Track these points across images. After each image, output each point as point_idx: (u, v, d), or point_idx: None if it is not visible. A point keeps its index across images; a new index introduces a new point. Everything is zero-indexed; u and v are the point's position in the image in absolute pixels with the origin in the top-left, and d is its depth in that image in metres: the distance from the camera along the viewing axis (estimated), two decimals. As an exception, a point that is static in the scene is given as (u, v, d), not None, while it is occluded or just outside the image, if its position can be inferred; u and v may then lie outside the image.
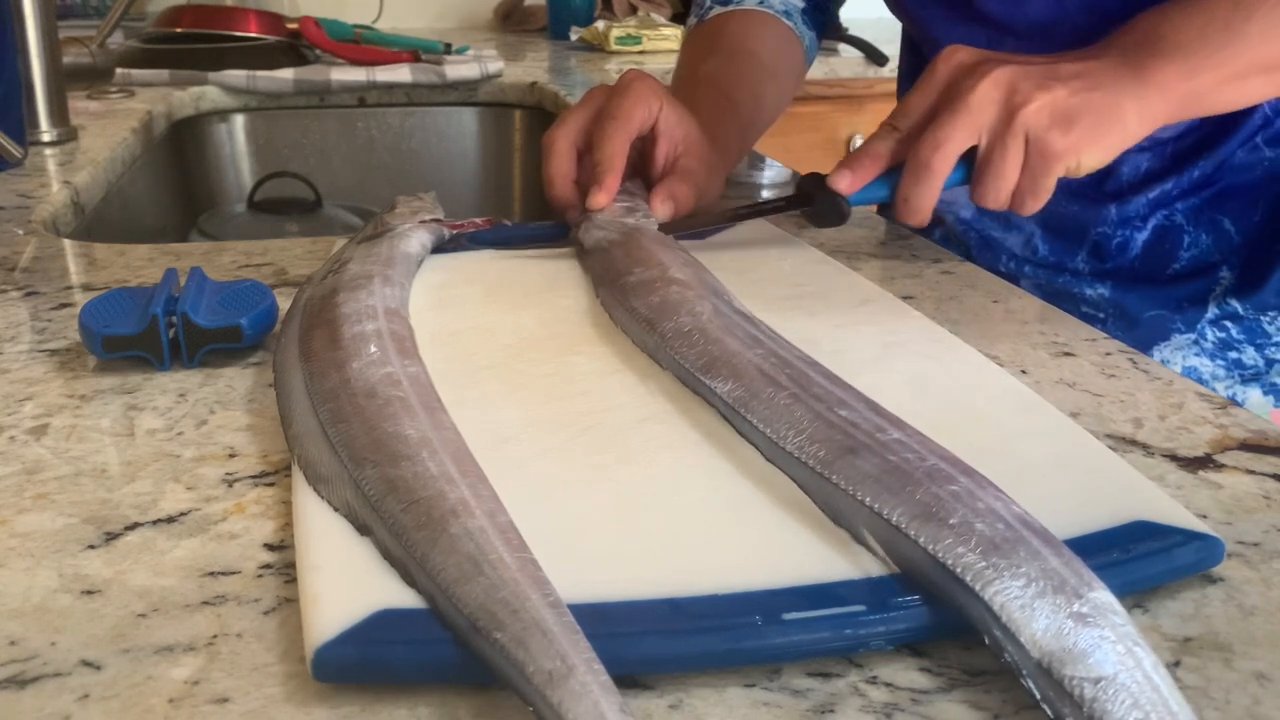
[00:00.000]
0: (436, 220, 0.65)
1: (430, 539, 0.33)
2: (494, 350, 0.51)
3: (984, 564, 0.31)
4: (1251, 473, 0.43)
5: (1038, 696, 0.29)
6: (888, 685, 0.31)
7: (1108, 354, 0.55)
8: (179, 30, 1.41)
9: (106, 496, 0.40)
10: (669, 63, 1.69)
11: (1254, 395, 0.77)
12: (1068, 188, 0.79)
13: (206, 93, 1.39)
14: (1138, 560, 0.35)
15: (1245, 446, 0.45)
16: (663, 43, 1.86)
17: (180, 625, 0.33)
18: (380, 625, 0.31)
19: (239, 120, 1.43)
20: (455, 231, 0.66)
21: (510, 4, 2.26)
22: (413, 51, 1.49)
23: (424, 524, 0.34)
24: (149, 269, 0.66)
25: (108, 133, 1.07)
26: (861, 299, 0.59)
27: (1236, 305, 0.77)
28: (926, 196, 0.56)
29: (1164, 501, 0.38)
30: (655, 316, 0.49)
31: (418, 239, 0.62)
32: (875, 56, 1.84)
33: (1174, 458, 0.44)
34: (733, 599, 0.32)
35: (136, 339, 0.50)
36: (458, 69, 1.46)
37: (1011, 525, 0.33)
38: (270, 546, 0.37)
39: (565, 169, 0.68)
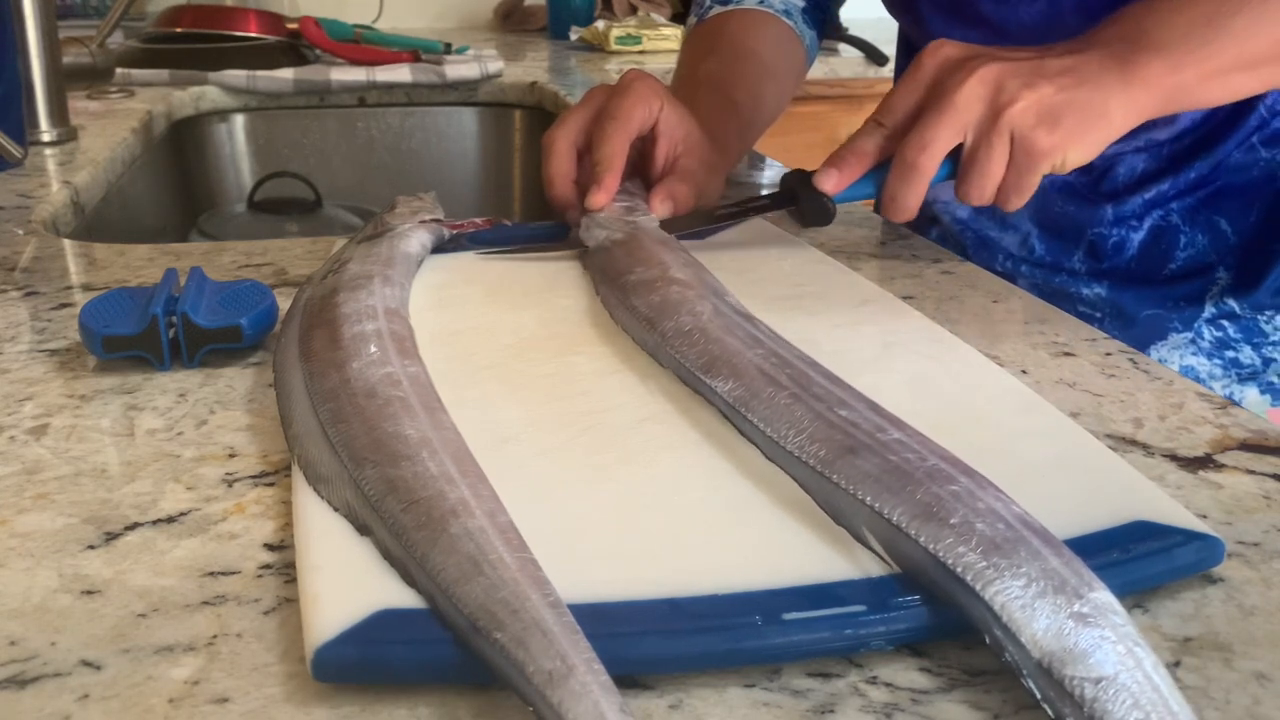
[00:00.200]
0: (436, 220, 0.65)
1: (430, 539, 0.33)
2: (494, 350, 0.51)
3: (984, 564, 0.31)
4: (1251, 473, 0.43)
5: (1038, 696, 0.29)
6: (888, 685, 0.31)
7: (1108, 354, 0.55)
8: (179, 30, 1.41)
9: (106, 496, 0.40)
10: (669, 63, 1.69)
11: (1251, 394, 0.78)
12: (1064, 188, 0.79)
13: (206, 93, 1.39)
14: (1138, 560, 0.35)
15: (1245, 446, 0.45)
16: (663, 43, 1.86)
17: (180, 625, 0.33)
18: (380, 625, 0.31)
19: (239, 120, 1.43)
20: (455, 231, 0.66)
21: (510, 4, 2.26)
22: (413, 51, 1.49)
23: (424, 524, 0.34)
24: (149, 269, 0.66)
25: (108, 133, 1.07)
26: (861, 299, 0.59)
27: (1233, 304, 0.77)
28: (913, 195, 0.56)
29: (1164, 501, 0.38)
30: (656, 315, 0.49)
31: (418, 239, 0.62)
32: (875, 56, 1.84)
33: (1174, 458, 0.44)
34: (733, 599, 0.32)
35: (136, 339, 0.50)
36: (458, 69, 1.46)
37: (1012, 525, 0.33)
38: (270, 546, 0.37)
39: (565, 169, 0.68)
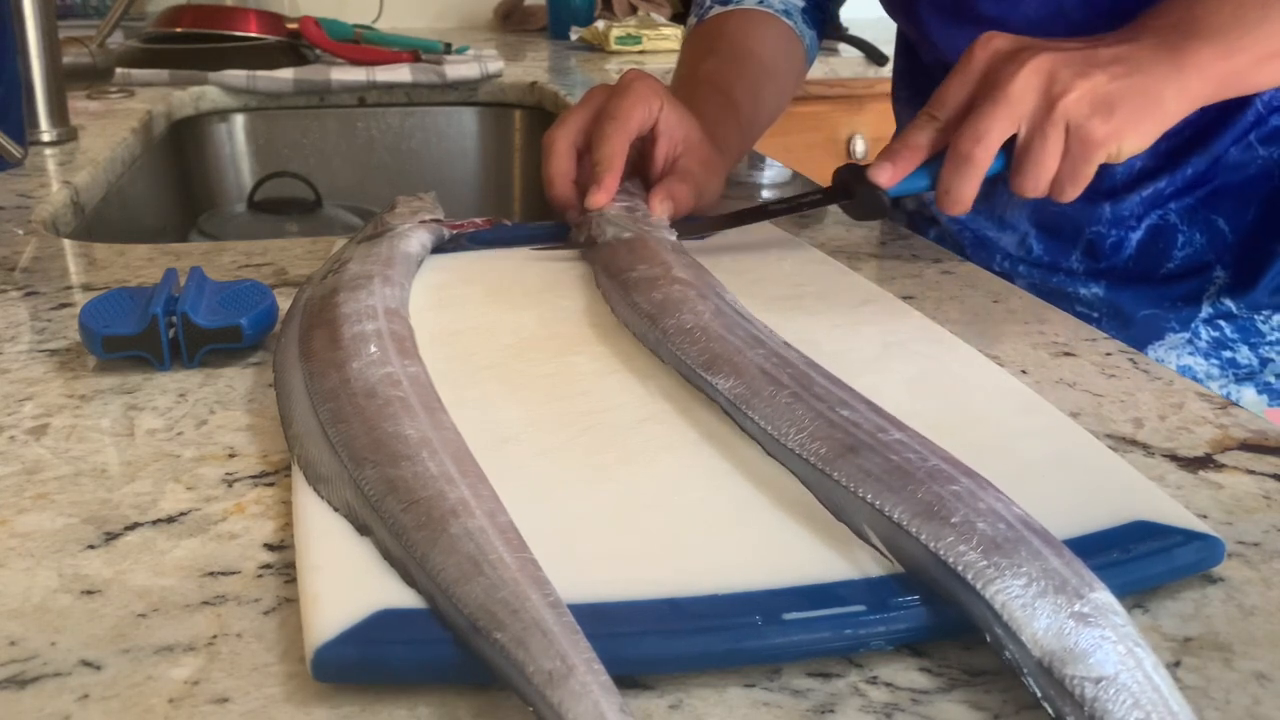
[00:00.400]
0: (436, 220, 0.65)
1: (430, 539, 0.33)
2: (494, 350, 0.51)
3: (985, 563, 0.31)
4: (1252, 473, 0.43)
5: (1039, 696, 0.29)
6: (888, 685, 0.31)
7: (1108, 354, 0.55)
8: (179, 30, 1.41)
9: (106, 496, 0.40)
10: (669, 63, 1.69)
11: (1248, 394, 0.77)
12: None
13: (206, 93, 1.39)
14: (1138, 560, 0.35)
15: (1245, 446, 0.45)
16: (663, 43, 1.86)
17: (180, 625, 0.33)
18: (380, 625, 0.31)
19: (239, 120, 1.43)
20: (455, 231, 0.66)
21: (510, 4, 2.26)
22: (413, 51, 1.49)
23: (424, 524, 0.34)
24: (149, 269, 0.66)
25: (108, 133, 1.07)
26: (861, 299, 0.59)
27: (1230, 304, 0.77)
28: (968, 188, 0.56)
29: (1164, 501, 0.38)
30: (657, 312, 0.49)
31: (418, 239, 0.62)
32: (875, 56, 1.84)
33: (1174, 458, 0.44)
34: (733, 599, 0.32)
35: (136, 339, 0.50)
36: (458, 69, 1.46)
37: (1013, 525, 0.33)
38: (270, 546, 0.37)
39: (565, 168, 0.68)
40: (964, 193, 0.56)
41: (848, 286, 0.61)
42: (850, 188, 0.61)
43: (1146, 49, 0.55)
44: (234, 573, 0.36)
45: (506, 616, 0.30)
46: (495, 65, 1.49)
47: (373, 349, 0.46)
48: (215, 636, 0.32)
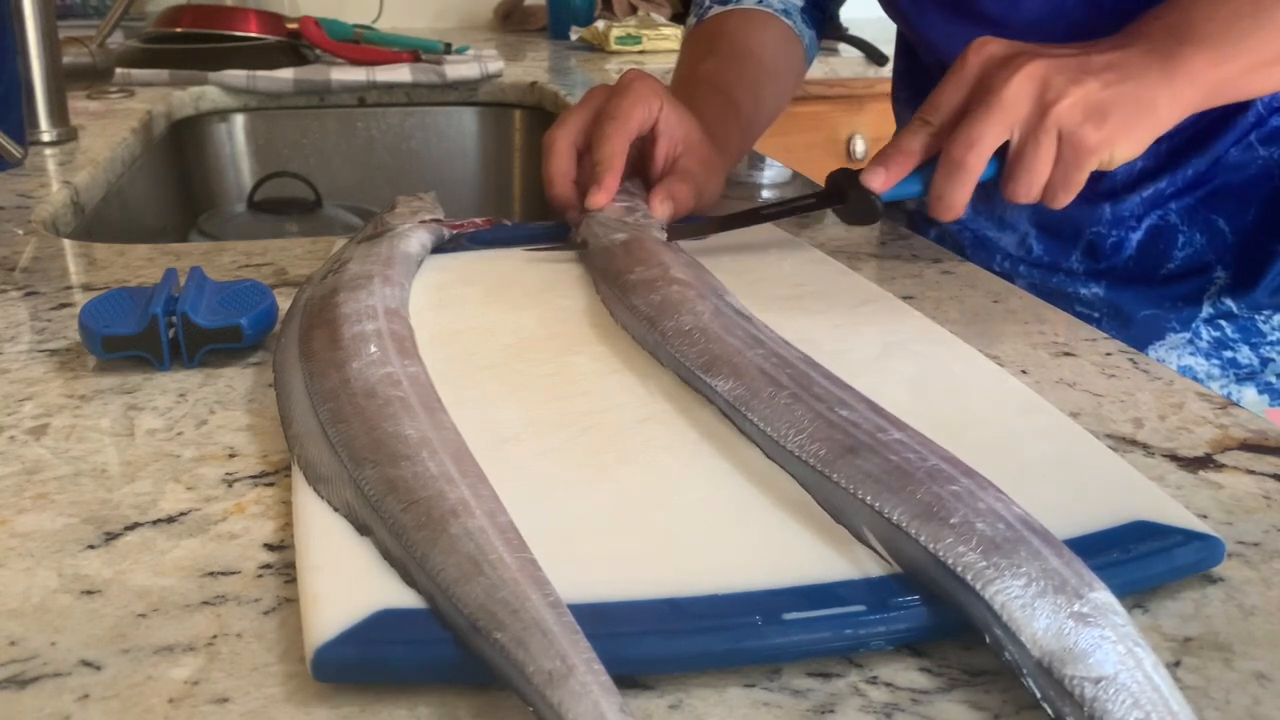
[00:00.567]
0: (436, 220, 0.65)
1: (430, 539, 0.33)
2: (494, 350, 0.51)
3: (985, 563, 0.31)
4: (1252, 473, 0.43)
5: (1038, 696, 0.29)
6: (888, 685, 0.31)
7: (1108, 354, 0.55)
8: (179, 30, 1.41)
9: (106, 496, 0.40)
10: (669, 63, 1.69)
11: (1249, 394, 0.77)
12: None
13: (206, 93, 1.39)
14: (1138, 560, 0.35)
15: (1245, 446, 0.45)
16: (663, 43, 1.86)
17: (180, 625, 0.33)
18: (380, 625, 0.31)
19: (239, 120, 1.43)
20: (455, 231, 0.66)
21: (510, 4, 2.26)
22: (413, 51, 1.49)
23: (424, 524, 0.34)
24: (149, 269, 0.66)
25: (108, 133, 1.07)
26: (861, 299, 0.59)
27: (1231, 304, 0.77)
28: (961, 194, 0.56)
29: (1164, 501, 0.38)
30: (656, 315, 0.49)
31: (418, 239, 0.62)
32: (875, 56, 1.84)
33: (1174, 458, 0.44)
34: (733, 599, 0.32)
35: (136, 339, 0.50)
36: (458, 69, 1.46)
37: (1012, 525, 0.33)
38: (270, 546, 0.37)
39: (565, 168, 0.68)
40: (956, 199, 0.56)
41: (848, 286, 0.61)
42: (843, 192, 0.61)
43: (1139, 55, 0.55)
44: (234, 573, 0.36)
45: (506, 616, 0.30)
46: (495, 65, 1.49)
47: (373, 349, 0.46)
48: (215, 636, 0.32)
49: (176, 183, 1.34)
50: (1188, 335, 0.78)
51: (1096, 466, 0.41)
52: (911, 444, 0.37)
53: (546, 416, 0.44)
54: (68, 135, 1.03)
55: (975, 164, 0.55)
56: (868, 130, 1.83)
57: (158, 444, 0.44)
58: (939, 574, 0.32)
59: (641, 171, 0.71)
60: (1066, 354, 0.55)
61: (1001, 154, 0.56)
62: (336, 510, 0.37)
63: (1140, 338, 0.78)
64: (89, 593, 0.34)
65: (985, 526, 0.33)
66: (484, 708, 0.30)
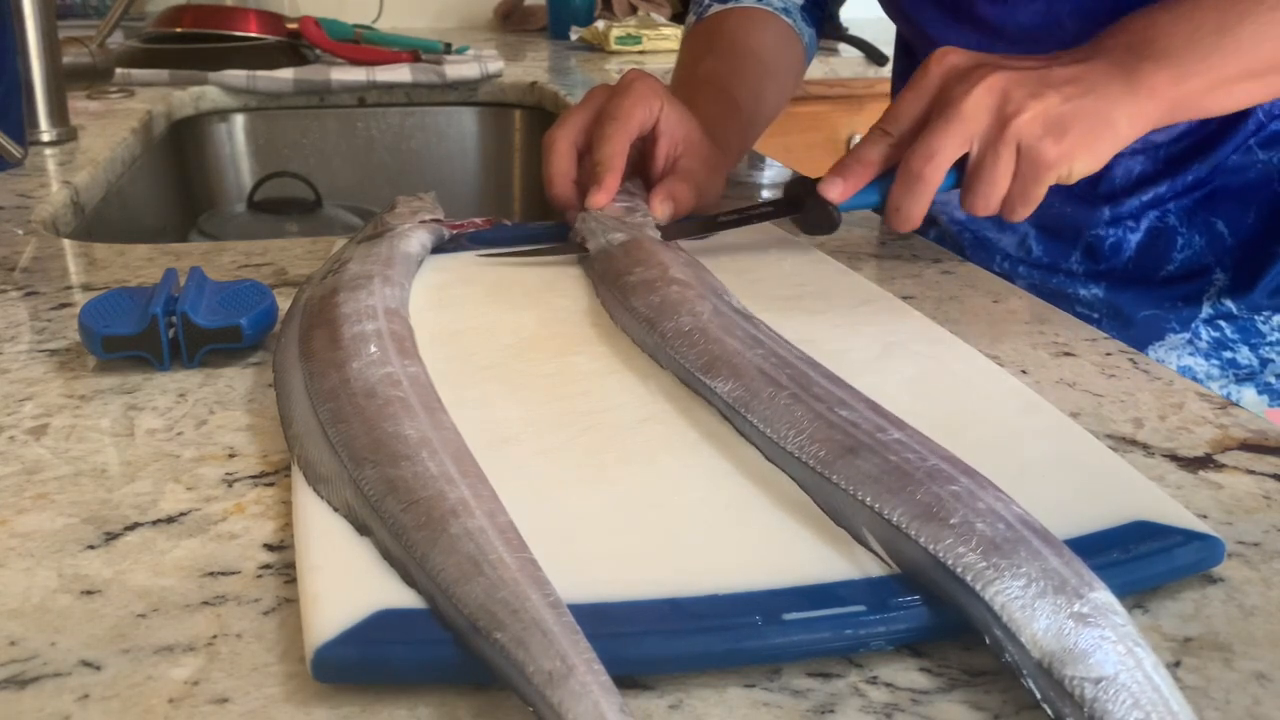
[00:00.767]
0: (436, 220, 0.65)
1: (430, 539, 0.33)
2: (494, 350, 0.51)
3: (984, 564, 0.31)
4: (1252, 473, 0.43)
5: (1038, 696, 0.29)
6: (888, 685, 0.31)
7: (1108, 354, 0.55)
8: (179, 30, 1.41)
9: (106, 496, 0.40)
10: (669, 63, 1.69)
11: (1249, 395, 0.77)
12: (1062, 190, 0.79)
13: (206, 93, 1.39)
14: (1138, 560, 0.35)
15: (1245, 446, 0.45)
16: (663, 43, 1.86)
17: (180, 625, 0.33)
18: (380, 625, 0.31)
19: (239, 120, 1.43)
20: (455, 231, 0.66)
21: (510, 4, 2.26)
22: (413, 51, 1.49)
23: (424, 524, 0.34)
24: (149, 269, 0.66)
25: (108, 133, 1.07)
26: (861, 299, 0.59)
27: (1231, 305, 0.77)
28: (918, 206, 0.56)
29: (1164, 501, 0.38)
30: (655, 316, 0.49)
31: (418, 239, 0.62)
32: (875, 56, 1.84)
33: (1174, 458, 0.44)
34: (733, 599, 0.32)
35: (136, 339, 0.50)
36: (458, 69, 1.46)
37: (1012, 525, 0.33)
38: (270, 546, 0.37)
39: (565, 168, 0.68)
40: (914, 211, 0.56)
41: (848, 286, 0.61)
42: (800, 201, 0.61)
43: (1101, 70, 0.55)
44: (234, 573, 0.36)
45: (506, 616, 0.30)
46: (495, 65, 1.49)
47: (373, 349, 0.46)
48: (215, 636, 0.32)
49: (176, 183, 1.34)
50: (1187, 336, 0.78)
51: (1096, 466, 0.41)
52: (911, 444, 0.37)
53: (546, 416, 0.44)
54: (68, 135, 1.03)
55: (933, 176, 0.55)
56: (868, 130, 1.83)
57: (158, 444, 0.44)
58: (939, 575, 0.32)
59: (642, 171, 0.71)
60: (1066, 354, 0.55)
61: (961, 165, 0.56)
62: (336, 510, 0.37)
63: (1140, 338, 0.78)
64: (89, 593, 0.34)
65: (985, 527, 0.33)
66: (484, 708, 0.30)
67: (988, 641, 0.30)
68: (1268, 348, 0.77)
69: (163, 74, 1.37)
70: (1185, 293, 0.78)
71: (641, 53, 1.85)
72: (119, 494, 0.40)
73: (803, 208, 0.61)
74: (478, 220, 0.69)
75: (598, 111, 0.68)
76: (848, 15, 1.93)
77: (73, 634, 0.32)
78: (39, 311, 0.59)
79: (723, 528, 0.37)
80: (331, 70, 1.42)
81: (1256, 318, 0.76)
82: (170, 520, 0.39)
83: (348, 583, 0.33)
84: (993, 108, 0.54)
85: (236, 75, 1.38)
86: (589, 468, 0.40)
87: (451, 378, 0.46)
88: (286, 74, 1.40)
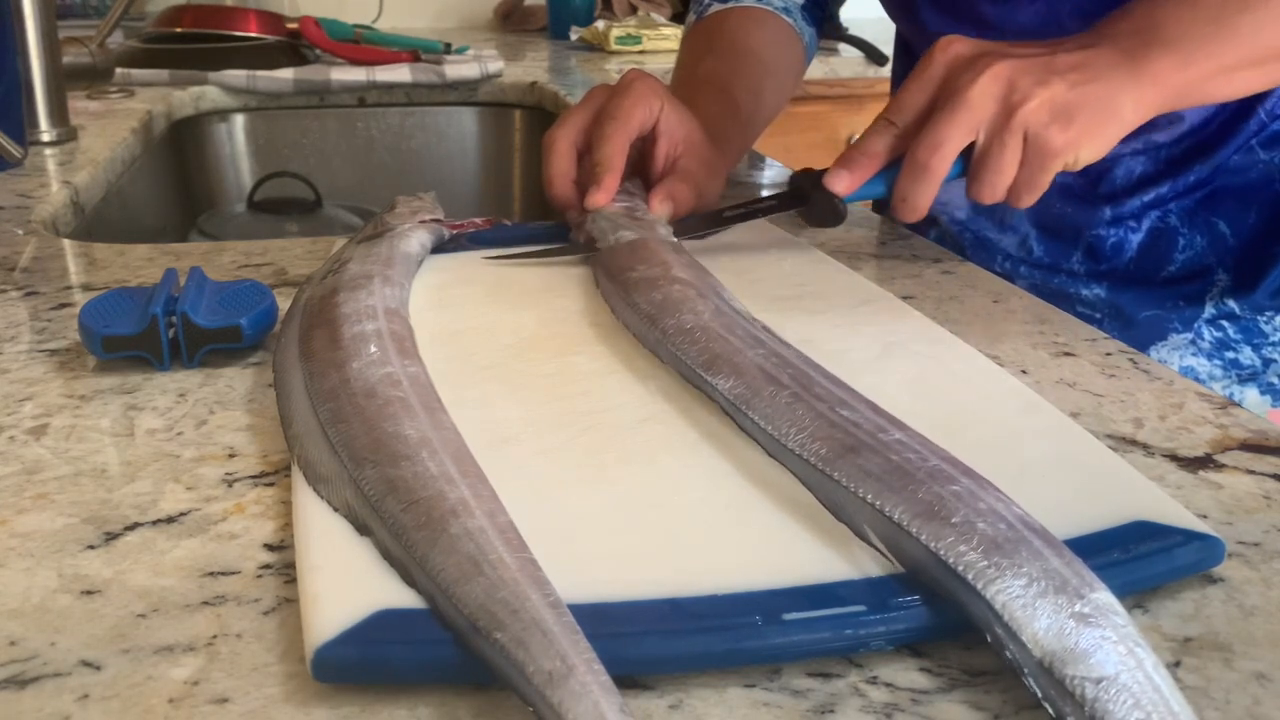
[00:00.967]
0: (436, 220, 0.65)
1: (430, 539, 0.33)
2: (494, 350, 0.51)
3: (986, 563, 0.31)
4: (1252, 473, 0.43)
5: (1039, 695, 0.29)
6: (888, 685, 0.31)
7: (1108, 354, 0.55)
8: (179, 30, 1.41)
9: (106, 496, 0.40)
10: (669, 63, 1.69)
11: (1251, 395, 0.77)
12: (1063, 189, 0.80)
13: (206, 93, 1.39)
14: (1138, 560, 0.35)
15: (1245, 446, 0.45)
16: (663, 43, 1.86)
17: (180, 625, 0.33)
18: (380, 625, 0.31)
19: (239, 120, 1.43)
20: (455, 231, 0.66)
21: (510, 4, 2.26)
22: (413, 51, 1.49)
23: (424, 524, 0.34)
24: (149, 269, 0.66)
25: (107, 133, 1.07)
26: (861, 299, 0.59)
27: (1233, 305, 0.77)
28: (925, 195, 0.56)
29: (1164, 501, 0.38)
30: (657, 313, 0.49)
31: (418, 239, 0.62)
32: (875, 56, 1.84)
33: (1174, 458, 0.44)
34: (733, 599, 0.32)
35: (136, 339, 0.50)
36: (458, 69, 1.46)
37: (1013, 526, 0.33)
38: (270, 546, 0.37)
39: (565, 168, 0.68)
40: (920, 201, 0.56)
41: (848, 286, 0.61)
42: (806, 194, 0.61)
43: (1105, 56, 0.55)
44: (234, 573, 0.36)
45: (506, 616, 0.30)
46: (495, 65, 1.49)
47: (373, 349, 0.46)
48: (215, 636, 0.32)
49: (176, 183, 1.34)
50: (1190, 336, 0.78)
51: (1096, 466, 0.41)
52: (912, 444, 0.37)
53: (546, 416, 0.44)
54: (68, 135, 1.03)
55: (939, 166, 0.55)
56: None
57: (158, 444, 0.44)
58: (940, 573, 0.32)
59: (641, 171, 0.71)
60: (1067, 354, 0.55)
61: (966, 154, 0.56)
62: (336, 510, 0.37)
63: (1142, 338, 0.78)
64: (89, 593, 0.34)
65: (986, 526, 0.33)
66: (484, 708, 0.30)
67: (988, 640, 0.30)
68: (1270, 348, 0.77)
69: (163, 74, 1.37)
70: (1187, 293, 0.78)
71: (641, 53, 1.85)
72: (119, 494, 0.40)
73: (808, 201, 0.61)
74: (478, 220, 0.69)
75: (597, 111, 0.68)
76: (848, 15, 1.93)
77: (73, 634, 0.32)
78: (39, 311, 0.59)
79: (723, 528, 0.37)
80: (331, 70, 1.42)
81: (1259, 318, 0.76)
82: (170, 520, 0.39)
83: (348, 583, 0.33)
84: (999, 96, 0.54)
85: (236, 75, 1.38)
86: (589, 468, 0.40)
87: (451, 378, 0.46)
88: (286, 74, 1.40)
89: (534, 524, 0.34)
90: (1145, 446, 0.45)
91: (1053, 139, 0.54)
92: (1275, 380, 0.77)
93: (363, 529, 0.35)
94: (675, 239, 0.62)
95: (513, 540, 0.33)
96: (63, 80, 1.04)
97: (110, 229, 0.97)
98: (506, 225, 0.70)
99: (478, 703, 0.30)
